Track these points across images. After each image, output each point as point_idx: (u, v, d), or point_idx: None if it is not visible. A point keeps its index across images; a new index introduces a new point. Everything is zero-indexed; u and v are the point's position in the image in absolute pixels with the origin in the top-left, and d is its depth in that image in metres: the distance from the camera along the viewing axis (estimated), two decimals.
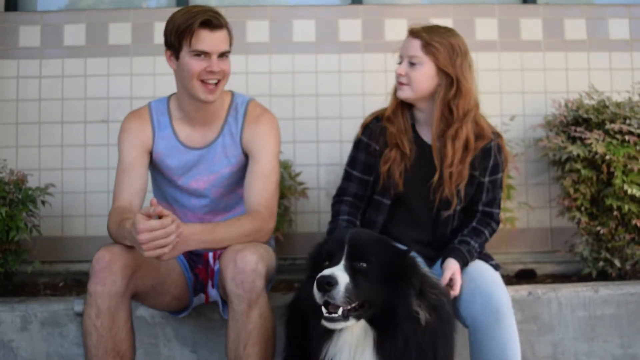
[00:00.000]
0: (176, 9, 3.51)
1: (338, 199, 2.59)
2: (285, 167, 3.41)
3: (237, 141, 2.44)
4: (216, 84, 2.31)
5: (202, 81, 2.29)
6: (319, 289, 1.77)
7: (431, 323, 1.88)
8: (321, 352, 1.88)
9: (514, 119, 3.57)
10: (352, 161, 2.58)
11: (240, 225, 2.24)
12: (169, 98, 2.51)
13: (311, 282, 1.84)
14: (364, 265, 1.85)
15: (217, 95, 2.33)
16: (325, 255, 1.89)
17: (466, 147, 2.43)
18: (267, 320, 2.13)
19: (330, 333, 1.87)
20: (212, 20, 2.25)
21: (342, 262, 1.84)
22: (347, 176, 2.59)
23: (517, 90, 3.68)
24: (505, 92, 3.67)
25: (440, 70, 2.41)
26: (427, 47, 2.40)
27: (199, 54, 2.26)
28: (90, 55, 3.64)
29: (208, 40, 2.25)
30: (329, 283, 1.76)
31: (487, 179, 2.51)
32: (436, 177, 2.44)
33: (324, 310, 1.80)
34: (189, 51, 2.26)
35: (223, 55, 2.31)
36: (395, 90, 2.52)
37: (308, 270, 1.97)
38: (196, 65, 2.26)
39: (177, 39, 2.26)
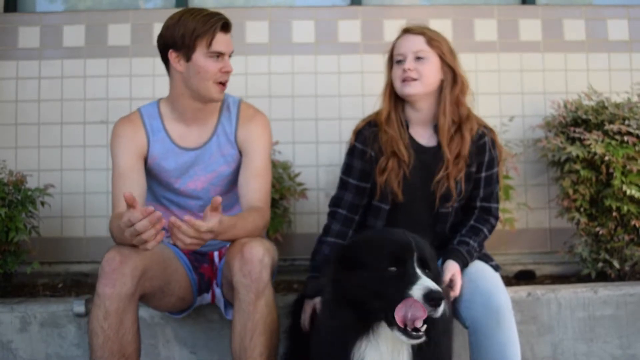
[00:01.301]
0: (175, 10, 3.54)
1: (333, 209, 2.58)
2: (284, 167, 3.41)
3: (232, 140, 2.47)
4: (225, 83, 2.41)
5: (217, 82, 2.36)
6: (435, 305, 1.68)
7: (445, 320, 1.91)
8: (354, 346, 1.81)
9: (513, 119, 3.57)
10: (348, 169, 2.57)
11: (254, 222, 2.28)
12: (158, 102, 2.53)
13: (354, 281, 1.81)
14: (429, 273, 1.81)
15: (224, 93, 2.44)
16: (391, 259, 1.81)
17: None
18: (272, 311, 2.16)
19: (367, 332, 1.82)
20: (228, 23, 2.37)
21: (422, 271, 1.77)
22: (343, 184, 2.58)
23: (516, 91, 3.68)
24: (505, 93, 3.68)
25: (445, 64, 2.46)
26: (432, 42, 2.45)
27: (216, 55, 2.33)
28: (90, 56, 3.64)
29: (224, 41, 2.36)
30: (442, 299, 1.69)
31: (483, 175, 2.53)
32: (442, 173, 2.45)
33: (409, 328, 1.71)
34: (205, 52, 2.32)
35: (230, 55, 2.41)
36: (390, 94, 2.52)
37: (341, 270, 1.88)
38: (212, 66, 2.33)
39: (192, 41, 2.30)
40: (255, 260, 2.11)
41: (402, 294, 1.72)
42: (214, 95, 2.38)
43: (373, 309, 1.78)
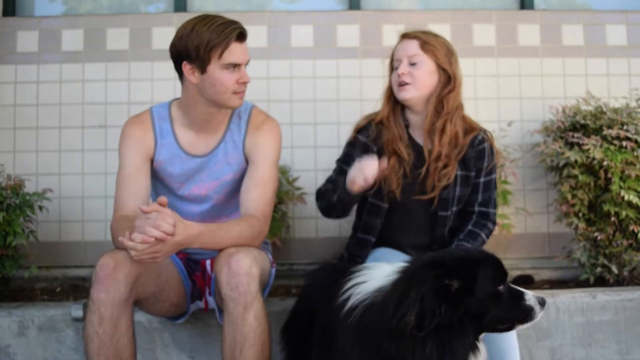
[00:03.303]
0: (173, 15, 3.54)
1: (324, 184, 2.61)
2: (283, 172, 3.41)
3: (240, 148, 2.44)
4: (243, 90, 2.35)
5: (234, 92, 2.31)
6: (544, 308, 1.86)
7: None
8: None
9: (512, 124, 3.58)
10: (347, 158, 2.56)
11: (240, 231, 2.23)
12: (170, 104, 2.48)
13: (447, 294, 1.74)
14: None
15: (243, 98, 2.38)
16: (502, 276, 1.85)
17: (455, 144, 2.46)
18: (262, 323, 2.13)
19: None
20: (244, 33, 2.29)
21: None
22: (340, 171, 2.58)
23: (514, 96, 3.69)
24: (503, 98, 3.68)
25: (439, 68, 2.47)
26: (426, 46, 2.46)
27: (232, 66, 2.27)
28: (88, 61, 3.64)
29: (239, 52, 2.28)
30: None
31: (482, 180, 2.54)
32: (424, 169, 2.46)
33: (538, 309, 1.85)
34: (220, 65, 2.25)
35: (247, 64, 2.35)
36: (389, 96, 2.54)
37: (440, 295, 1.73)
38: (229, 78, 2.27)
39: (207, 53, 2.23)
40: (242, 272, 2.08)
41: (522, 307, 1.84)
42: (234, 104, 2.34)
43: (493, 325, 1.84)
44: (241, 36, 2.28)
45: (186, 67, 2.28)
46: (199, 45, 2.22)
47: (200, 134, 2.43)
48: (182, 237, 2.02)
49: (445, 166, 2.47)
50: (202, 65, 2.25)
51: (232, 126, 2.46)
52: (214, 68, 2.25)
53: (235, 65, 2.27)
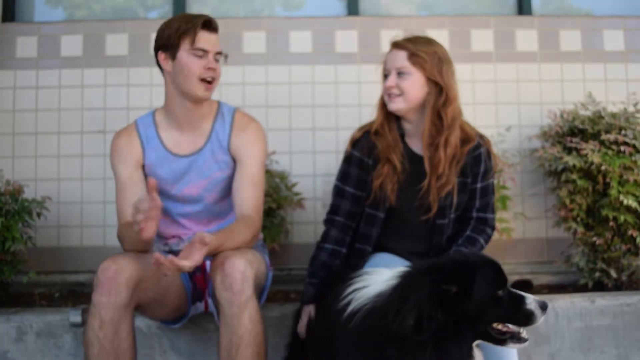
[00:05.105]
0: None
1: (330, 217, 2.56)
2: (281, 177, 3.41)
3: (225, 147, 2.47)
4: (211, 82, 2.41)
5: (201, 80, 2.37)
6: (545, 311, 1.86)
7: None
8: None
9: (510, 129, 3.58)
10: (344, 176, 2.54)
11: (243, 235, 2.27)
12: (154, 112, 2.56)
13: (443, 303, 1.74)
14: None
15: (211, 93, 2.44)
16: (502, 281, 1.86)
17: (453, 155, 2.45)
18: (257, 324, 2.13)
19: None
20: (212, 22, 2.40)
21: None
22: (339, 192, 2.55)
23: (512, 101, 3.69)
24: (501, 103, 3.69)
25: (429, 80, 2.42)
26: (414, 58, 2.40)
27: (199, 52, 2.35)
28: (87, 66, 3.65)
29: (208, 40, 2.38)
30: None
31: (479, 185, 2.52)
32: (425, 184, 2.45)
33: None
34: (188, 49, 2.35)
35: (217, 56, 2.42)
36: (383, 104, 2.52)
37: (436, 293, 1.74)
38: (196, 63, 2.35)
39: (176, 39, 2.35)
40: (237, 273, 2.09)
41: (522, 311, 1.84)
42: (199, 93, 2.38)
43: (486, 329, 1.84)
44: (208, 24, 2.39)
45: (161, 56, 2.41)
46: (170, 33, 2.37)
47: (185, 133, 2.48)
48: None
49: (446, 183, 2.45)
50: (173, 53, 2.37)
51: (217, 126, 2.50)
52: (182, 53, 2.36)
53: (203, 53, 2.36)
